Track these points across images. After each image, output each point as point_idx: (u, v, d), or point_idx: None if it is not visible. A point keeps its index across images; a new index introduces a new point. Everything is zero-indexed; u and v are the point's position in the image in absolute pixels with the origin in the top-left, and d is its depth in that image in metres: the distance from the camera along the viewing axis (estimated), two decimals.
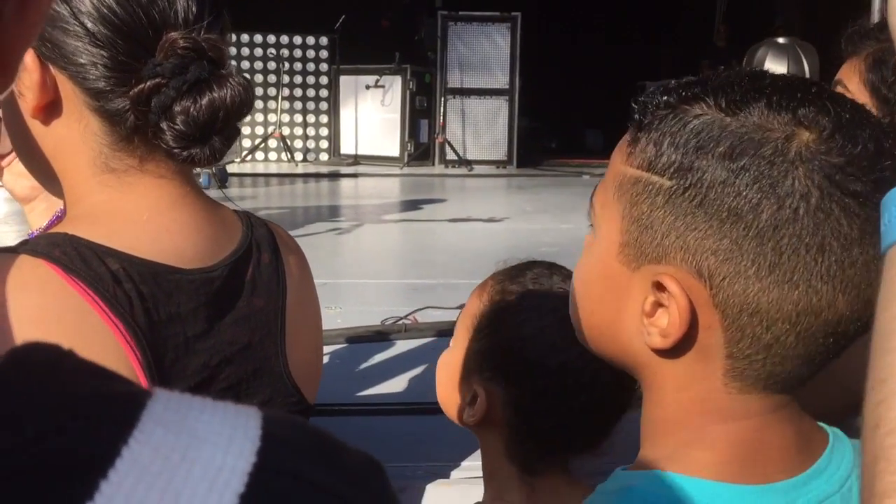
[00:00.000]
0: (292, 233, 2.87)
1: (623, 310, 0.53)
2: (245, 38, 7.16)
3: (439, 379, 0.95)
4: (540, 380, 0.85)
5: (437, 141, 7.21)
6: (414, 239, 3.75)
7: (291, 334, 0.97)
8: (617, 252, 0.53)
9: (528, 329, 0.88)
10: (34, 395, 0.21)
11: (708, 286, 0.49)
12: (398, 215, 4.33)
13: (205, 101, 0.77)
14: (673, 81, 0.55)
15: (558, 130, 9.31)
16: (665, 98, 0.54)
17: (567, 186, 5.87)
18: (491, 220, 4.05)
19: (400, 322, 2.04)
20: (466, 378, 0.90)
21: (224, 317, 0.91)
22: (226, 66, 0.81)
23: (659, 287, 0.50)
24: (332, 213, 4.49)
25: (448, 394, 0.92)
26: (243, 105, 0.78)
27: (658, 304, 0.50)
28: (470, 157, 7.23)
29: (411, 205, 4.79)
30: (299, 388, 0.99)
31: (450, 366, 0.92)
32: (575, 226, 3.91)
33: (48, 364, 0.23)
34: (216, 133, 0.78)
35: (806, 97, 0.50)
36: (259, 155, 7.22)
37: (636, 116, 0.55)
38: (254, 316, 0.94)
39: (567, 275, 1.03)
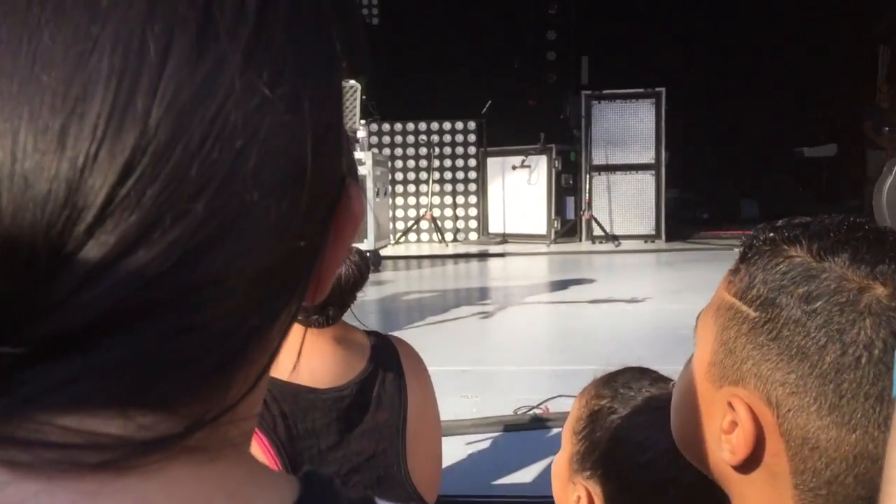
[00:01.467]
0: (441, 317, 3.03)
1: (708, 424, 0.60)
2: (398, 126, 7.59)
3: (553, 477, 1.04)
4: (629, 476, 0.94)
5: (583, 217, 7.28)
6: (555, 322, 3.82)
7: (412, 444, 1.10)
8: (706, 371, 0.61)
9: (618, 430, 0.97)
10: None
11: (775, 414, 0.55)
12: (542, 296, 4.42)
13: None
14: (781, 221, 0.63)
15: (710, 201, 9.13)
16: (768, 235, 0.62)
17: (716, 261, 5.75)
18: (634, 300, 4.06)
19: (531, 412, 2.12)
20: (572, 478, 0.99)
21: (353, 430, 1.06)
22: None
23: (733, 407, 0.56)
24: (480, 295, 4.64)
25: (560, 492, 1.01)
26: (357, 283, 0.93)
27: (734, 423, 0.57)
28: (617, 232, 7.24)
29: (556, 285, 4.87)
30: (420, 492, 1.11)
31: (559, 465, 1.02)
32: None
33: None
34: (332, 305, 0.94)
35: (889, 254, 0.55)
36: (412, 236, 7.55)
37: (742, 249, 0.62)
38: (378, 429, 1.08)
39: (656, 378, 1.12)
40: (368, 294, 4.50)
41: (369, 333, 1.16)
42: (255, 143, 0.32)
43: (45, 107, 0.30)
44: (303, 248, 0.35)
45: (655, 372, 1.19)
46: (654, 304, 3.96)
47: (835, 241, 0.58)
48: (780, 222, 0.62)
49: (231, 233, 0.31)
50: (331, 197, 0.38)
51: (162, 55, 0.31)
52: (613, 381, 1.09)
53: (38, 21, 0.31)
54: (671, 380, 1.15)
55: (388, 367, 1.12)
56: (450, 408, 2.26)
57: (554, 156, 7.29)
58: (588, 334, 3.33)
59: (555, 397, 2.23)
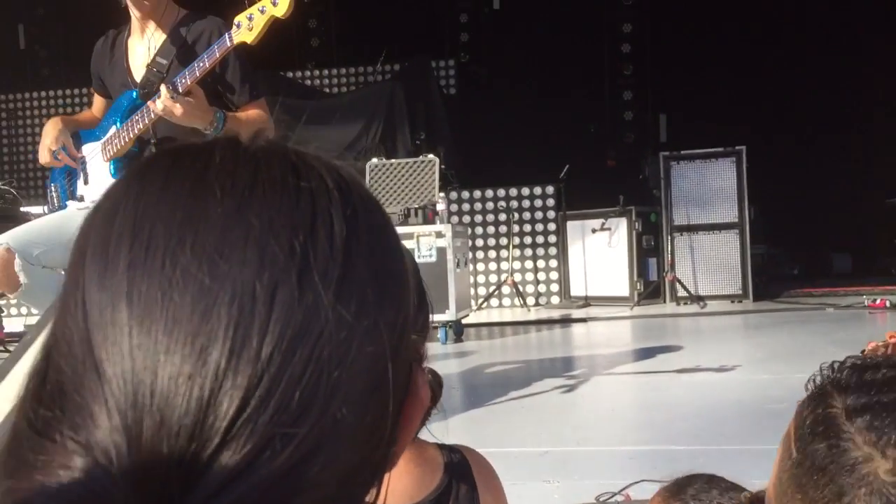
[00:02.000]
0: (523, 391, 3.07)
1: None
2: (477, 193, 7.71)
3: None
4: None
5: (667, 279, 7.20)
6: (639, 395, 3.79)
7: None
8: (773, 490, 0.66)
9: None
10: None
11: None
12: (626, 366, 4.39)
13: None
14: (844, 360, 0.68)
15: (800, 256, 8.89)
16: (824, 378, 0.67)
17: (807, 323, 5.60)
18: (721, 368, 3.99)
19: (612, 499, 2.12)
20: None
21: None
22: (423, 363, 1.03)
23: None
24: (563, 365, 4.63)
25: None
26: (433, 399, 1.00)
27: None
28: (702, 292, 7.12)
29: (640, 353, 4.83)
30: None
31: None
32: (807, 376, 3.76)
33: None
34: None
35: None
36: (494, 301, 7.59)
37: (808, 384, 0.68)
38: None
39: (725, 487, 1.14)
40: (451, 367, 4.55)
41: (442, 448, 1.23)
42: (344, 369, 0.40)
43: (178, 355, 0.39)
44: (382, 440, 0.43)
45: (724, 480, 1.22)
46: (742, 374, 3.89)
47: (867, 399, 0.62)
48: (840, 363, 0.67)
49: (326, 446, 0.40)
50: (402, 391, 0.45)
51: (269, 303, 0.39)
52: (682, 493, 1.11)
53: (171, 281, 0.39)
54: (742, 488, 1.17)
55: (461, 481, 1.17)
56: (532, 494, 2.28)
57: (634, 217, 7.26)
58: (673, 409, 3.29)
59: (637, 482, 2.22)
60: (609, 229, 7.32)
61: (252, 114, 2.80)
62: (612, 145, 9.23)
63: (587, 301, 7.35)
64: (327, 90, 9.13)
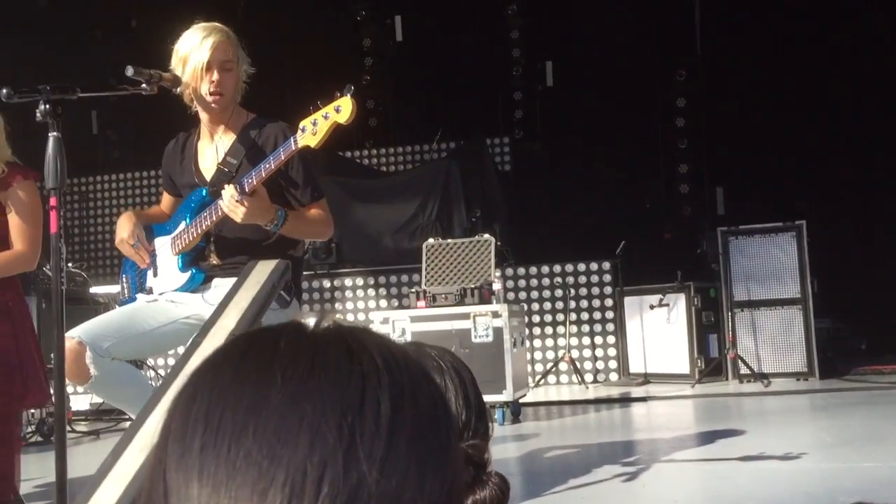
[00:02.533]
0: (582, 479, 3.04)
1: None
2: (533, 269, 7.72)
3: None
4: None
5: (728, 356, 7.05)
6: (702, 486, 3.69)
7: None
8: None
9: None
10: None
11: None
12: (688, 452, 4.28)
13: (469, 501, 1.01)
14: None
15: (868, 330, 8.62)
16: None
17: (877, 404, 5.42)
18: (786, 456, 3.87)
19: None
20: None
21: None
22: (487, 468, 1.05)
23: None
24: (623, 450, 4.54)
25: None
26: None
27: None
28: (766, 369, 6.95)
29: (703, 437, 4.71)
30: None
31: None
32: (878, 464, 3.62)
33: None
34: None
35: None
36: (551, 378, 7.52)
37: None
38: None
39: None
40: (510, 451, 4.51)
41: None
42: None
43: None
44: None
45: None
46: (810, 462, 3.76)
47: None
48: None
49: None
50: None
51: (318, 482, 0.44)
52: None
53: (234, 464, 0.45)
54: None
55: None
56: None
57: (693, 293, 7.17)
58: (738, 502, 3.20)
59: None
60: (667, 305, 7.23)
61: (313, 213, 2.90)
62: (668, 219, 9.19)
63: (646, 378, 7.23)
64: (384, 168, 9.33)
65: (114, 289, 6.71)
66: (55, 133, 2.36)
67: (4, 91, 2.33)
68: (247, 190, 2.75)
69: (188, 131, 3.17)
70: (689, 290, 7.17)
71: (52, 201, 2.37)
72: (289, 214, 2.80)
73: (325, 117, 2.53)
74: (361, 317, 7.57)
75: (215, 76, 2.86)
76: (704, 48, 9.19)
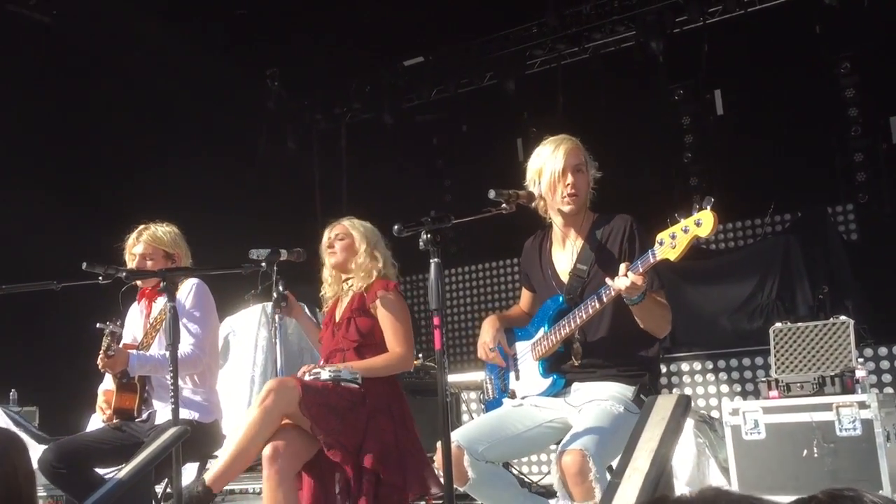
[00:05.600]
0: None
1: None
2: None
3: None
4: None
5: None
6: None
7: None
8: None
9: None
10: None
11: None
12: None
13: None
14: None
15: None
16: None
17: None
18: None
19: None
20: None
21: None
22: None
23: None
24: None
25: None
26: None
27: None
28: None
29: None
30: None
31: None
32: None
33: None
34: None
35: None
36: None
37: None
38: None
39: None
40: None
41: None
42: None
43: None
44: None
45: None
46: None
47: None
48: None
49: None
50: None
51: None
52: None
53: None
54: None
55: None
56: None
57: None
58: None
59: None
60: None
61: (658, 301, 2.91)
62: None
63: None
64: (713, 247, 9.03)
65: (462, 377, 7.19)
66: (436, 259, 2.64)
67: (396, 227, 2.67)
68: (605, 300, 2.84)
69: (544, 230, 3.34)
70: None
71: (436, 321, 2.64)
72: (648, 294, 2.81)
73: (685, 231, 2.54)
74: (702, 403, 7.28)
75: (570, 179, 3.04)
76: None
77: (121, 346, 3.73)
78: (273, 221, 7.90)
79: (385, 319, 3.65)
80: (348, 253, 3.75)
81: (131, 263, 3.94)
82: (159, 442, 1.90)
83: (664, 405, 1.39)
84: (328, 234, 3.83)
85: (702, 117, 9.55)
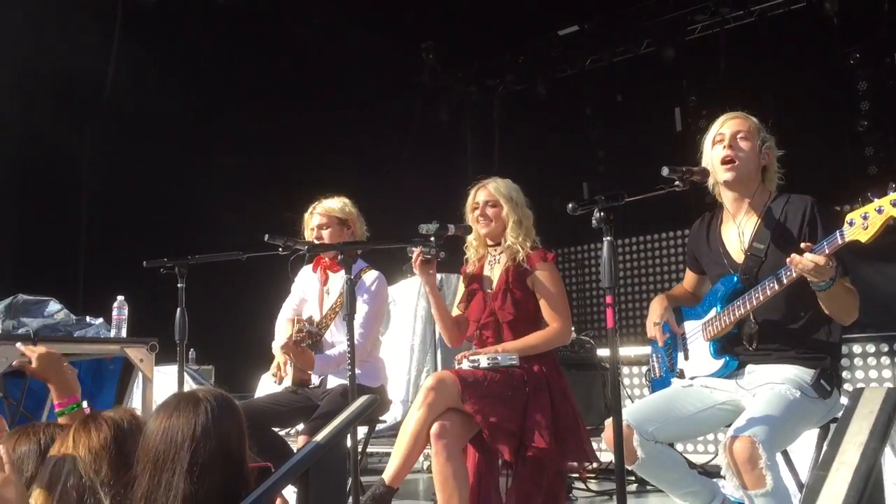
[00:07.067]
0: None
1: None
2: None
3: None
4: None
5: None
6: None
7: None
8: None
9: None
10: None
11: None
12: None
13: None
14: None
15: None
16: None
17: None
18: None
19: None
20: None
21: None
22: None
23: None
24: None
25: None
26: None
27: None
28: None
29: None
30: None
31: None
32: None
33: None
34: None
35: None
36: None
37: None
38: None
39: None
40: None
41: None
42: None
43: None
44: None
45: None
46: None
47: None
48: None
49: None
50: None
51: None
52: None
53: None
54: None
55: None
56: None
57: None
58: None
59: None
60: None
61: (846, 287, 2.76)
62: None
63: None
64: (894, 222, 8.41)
65: (622, 352, 7.10)
66: (609, 238, 2.62)
67: (570, 205, 2.67)
68: (784, 283, 2.74)
69: (713, 211, 3.25)
70: None
71: (608, 299, 2.63)
72: (837, 279, 2.68)
73: (879, 211, 2.41)
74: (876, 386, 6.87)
75: (726, 143, 2.95)
76: None
77: (299, 320, 4.00)
78: (426, 194, 8.06)
79: (543, 292, 3.62)
80: (498, 222, 3.67)
81: (310, 237, 4.20)
82: (352, 409, 2.02)
83: (872, 398, 1.34)
84: (474, 198, 3.73)
85: (881, 82, 8.88)
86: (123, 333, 4.51)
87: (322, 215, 4.18)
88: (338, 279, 4.13)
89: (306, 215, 4.25)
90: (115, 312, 4.52)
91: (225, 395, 1.88)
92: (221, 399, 1.84)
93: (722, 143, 3.00)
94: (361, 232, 4.23)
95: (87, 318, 4.59)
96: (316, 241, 4.09)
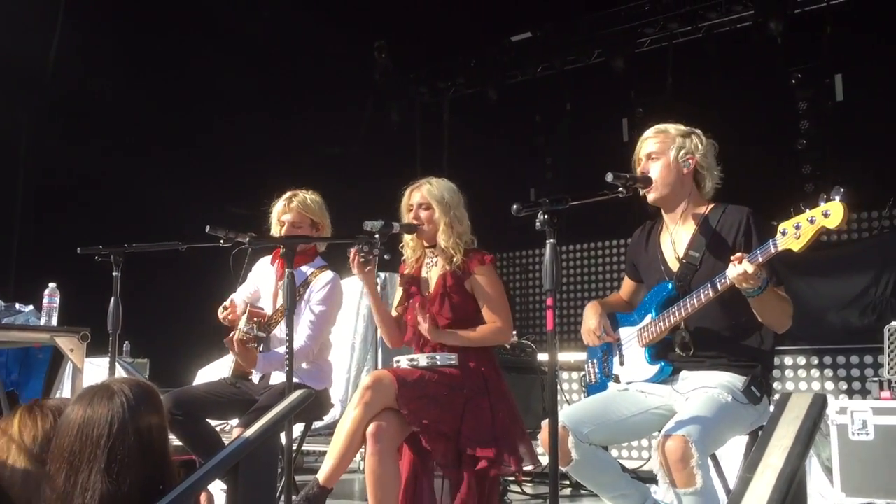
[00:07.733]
0: None
1: None
2: None
3: None
4: None
5: None
6: None
7: None
8: None
9: None
10: None
11: None
12: None
13: None
14: None
15: None
16: None
17: None
18: None
19: None
20: None
21: None
22: None
23: None
24: None
25: None
26: None
27: None
28: None
29: None
30: None
31: None
32: None
33: None
34: None
35: None
36: None
37: None
38: None
39: None
40: None
41: None
42: None
43: None
44: None
45: None
46: None
47: None
48: None
49: None
50: None
51: None
52: None
53: None
54: None
55: None
56: None
57: None
58: None
59: None
60: None
61: (778, 294, 2.82)
62: None
63: None
64: (825, 238, 8.66)
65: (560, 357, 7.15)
66: (552, 240, 2.63)
67: (515, 206, 2.68)
68: (719, 289, 2.79)
69: (654, 220, 3.30)
70: None
71: (549, 301, 2.64)
72: (769, 286, 2.74)
73: (811, 221, 2.46)
74: None
75: (641, 167, 3.06)
76: None
77: (244, 309, 3.89)
78: (374, 192, 8.01)
79: (482, 295, 3.62)
80: (431, 225, 3.66)
81: (278, 229, 4.02)
82: (286, 403, 1.98)
83: (798, 403, 1.37)
84: (409, 199, 3.72)
85: (819, 103, 9.15)
86: (54, 322, 4.37)
87: (297, 212, 4.01)
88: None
89: (280, 204, 4.02)
90: (45, 300, 4.38)
91: (143, 384, 1.80)
92: (138, 390, 1.76)
93: (638, 165, 3.11)
94: (328, 232, 4.09)
95: (17, 305, 4.44)
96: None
